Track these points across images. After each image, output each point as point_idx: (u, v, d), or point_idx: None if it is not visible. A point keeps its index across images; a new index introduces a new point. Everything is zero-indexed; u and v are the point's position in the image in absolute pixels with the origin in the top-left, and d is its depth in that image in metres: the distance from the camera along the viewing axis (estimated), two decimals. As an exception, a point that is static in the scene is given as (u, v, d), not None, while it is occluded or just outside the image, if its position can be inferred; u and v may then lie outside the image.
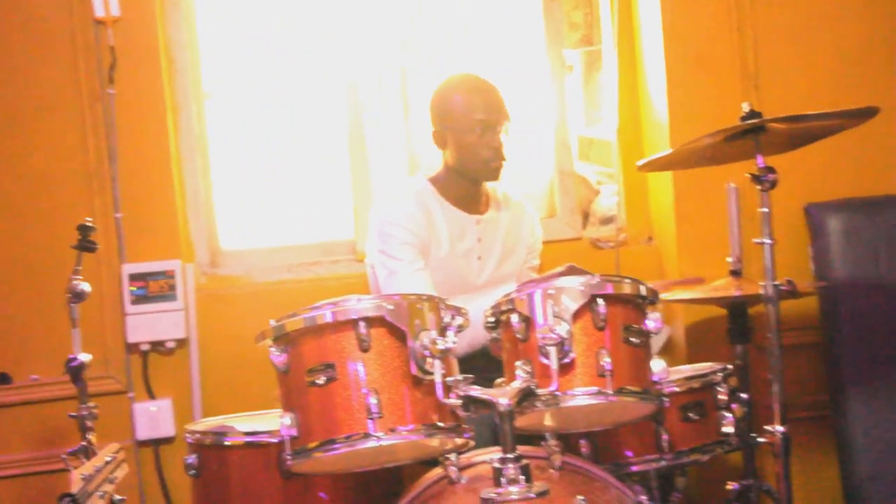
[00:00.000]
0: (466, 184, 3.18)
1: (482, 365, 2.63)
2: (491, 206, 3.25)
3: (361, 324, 2.17)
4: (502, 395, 2.17)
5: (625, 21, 3.78)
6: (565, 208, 3.88)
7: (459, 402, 2.19)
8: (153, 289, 3.48)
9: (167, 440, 3.52)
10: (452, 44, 3.88)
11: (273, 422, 2.33)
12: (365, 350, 2.18)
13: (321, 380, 2.18)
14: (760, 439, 2.72)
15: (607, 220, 3.90)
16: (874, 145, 3.53)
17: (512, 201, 3.32)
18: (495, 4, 3.91)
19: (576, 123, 3.94)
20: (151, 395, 3.51)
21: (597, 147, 3.98)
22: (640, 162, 2.91)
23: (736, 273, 3.07)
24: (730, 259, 3.09)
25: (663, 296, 3.01)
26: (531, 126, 3.85)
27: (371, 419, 2.15)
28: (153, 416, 3.49)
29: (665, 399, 2.36)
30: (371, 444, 2.15)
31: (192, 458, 2.56)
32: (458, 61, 3.84)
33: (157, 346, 3.51)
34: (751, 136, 2.63)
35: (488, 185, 3.24)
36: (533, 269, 3.34)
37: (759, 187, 2.61)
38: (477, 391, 2.19)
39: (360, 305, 2.19)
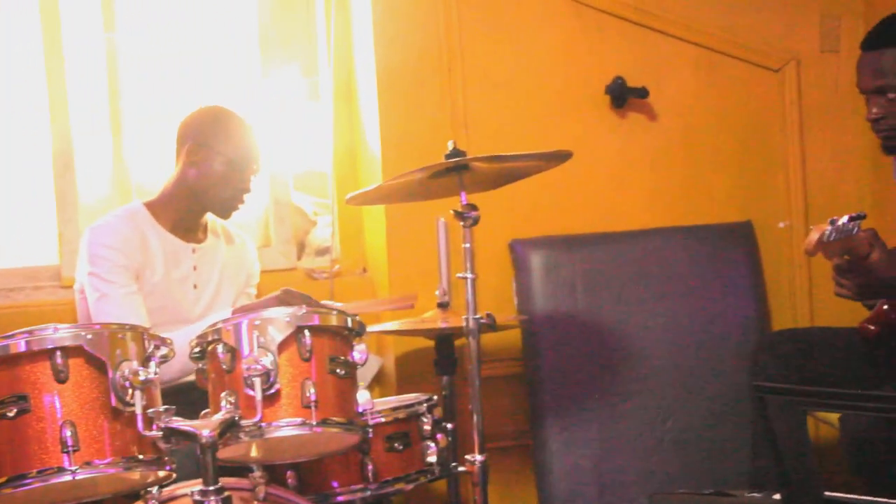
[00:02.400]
0: (190, 208, 3.14)
1: (198, 396, 2.59)
2: (209, 236, 3.22)
3: (58, 353, 2.08)
4: (204, 427, 2.15)
5: (341, 54, 3.84)
6: (280, 238, 3.87)
7: (160, 433, 2.15)
8: None
9: None
10: (167, 67, 3.81)
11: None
12: (62, 381, 2.09)
13: (12, 412, 2.07)
14: (461, 468, 2.81)
15: (323, 251, 3.93)
16: (573, 186, 3.73)
17: (231, 233, 3.31)
18: (213, 31, 3.87)
19: (293, 153, 3.95)
20: None
21: (314, 178, 4.01)
22: (350, 195, 2.96)
23: (443, 306, 3.16)
24: (438, 292, 3.18)
25: (374, 327, 3.08)
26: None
27: (66, 452, 2.06)
28: None
29: (369, 429, 2.40)
30: (65, 478, 2.06)
31: None
32: (173, 85, 3.78)
33: None
34: (455, 173, 2.73)
35: (208, 216, 3.22)
36: (249, 297, 3.32)
37: (461, 223, 2.71)
38: (178, 423, 2.16)
39: (58, 335, 2.11)
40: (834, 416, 3.00)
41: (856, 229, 2.60)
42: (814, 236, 2.59)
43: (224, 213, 3.16)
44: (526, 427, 3.67)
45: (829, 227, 2.57)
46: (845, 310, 3.17)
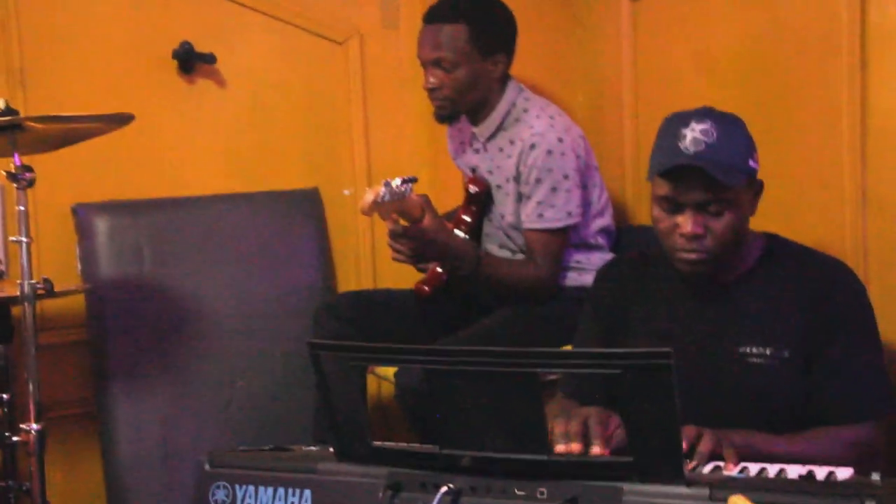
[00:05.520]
0: None
1: None
2: None
3: None
4: None
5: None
6: None
7: None
8: None
9: None
10: None
11: None
12: None
13: None
14: (15, 438, 2.72)
15: None
16: (140, 150, 3.66)
17: None
18: None
19: None
20: None
21: None
22: None
23: (-2, 273, 3.04)
24: (-9, 258, 3.04)
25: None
26: None
27: None
28: None
29: None
30: None
31: None
32: None
33: None
34: (7, 133, 2.62)
35: None
36: None
37: (16, 186, 2.61)
38: None
39: None
40: (391, 373, 3.19)
41: (408, 191, 2.77)
42: (369, 197, 2.72)
43: None
44: (91, 394, 3.58)
45: (384, 189, 2.72)
46: (406, 275, 3.38)
